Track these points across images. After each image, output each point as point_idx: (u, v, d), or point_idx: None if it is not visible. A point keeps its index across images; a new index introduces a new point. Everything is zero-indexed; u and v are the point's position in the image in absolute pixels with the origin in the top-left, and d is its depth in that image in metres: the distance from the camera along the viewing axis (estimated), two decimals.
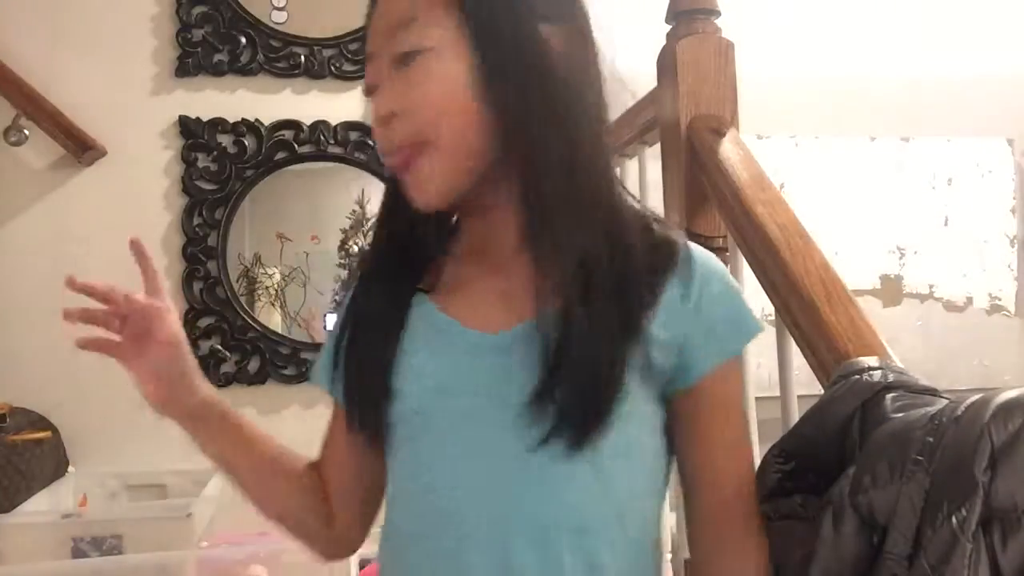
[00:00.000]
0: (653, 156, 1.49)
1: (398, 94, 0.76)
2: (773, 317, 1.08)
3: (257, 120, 2.50)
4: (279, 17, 2.53)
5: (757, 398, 1.18)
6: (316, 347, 2.47)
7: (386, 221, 0.87)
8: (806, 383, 1.00)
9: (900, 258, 3.03)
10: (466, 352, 0.78)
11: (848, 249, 2.96)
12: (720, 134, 1.24)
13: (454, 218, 0.87)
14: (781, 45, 2.97)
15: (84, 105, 2.38)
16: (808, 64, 2.99)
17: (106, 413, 2.36)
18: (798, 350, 1.00)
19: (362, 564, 2.04)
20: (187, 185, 2.46)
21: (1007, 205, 3.08)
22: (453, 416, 0.77)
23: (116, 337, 0.90)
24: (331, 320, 2.57)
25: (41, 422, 2.20)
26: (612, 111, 0.82)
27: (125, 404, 2.37)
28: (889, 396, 0.72)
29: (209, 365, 2.43)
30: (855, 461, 0.70)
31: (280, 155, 2.51)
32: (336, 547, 0.94)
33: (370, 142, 2.53)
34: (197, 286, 2.44)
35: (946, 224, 3.06)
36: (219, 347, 2.44)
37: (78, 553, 1.85)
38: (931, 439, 0.63)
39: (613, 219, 0.77)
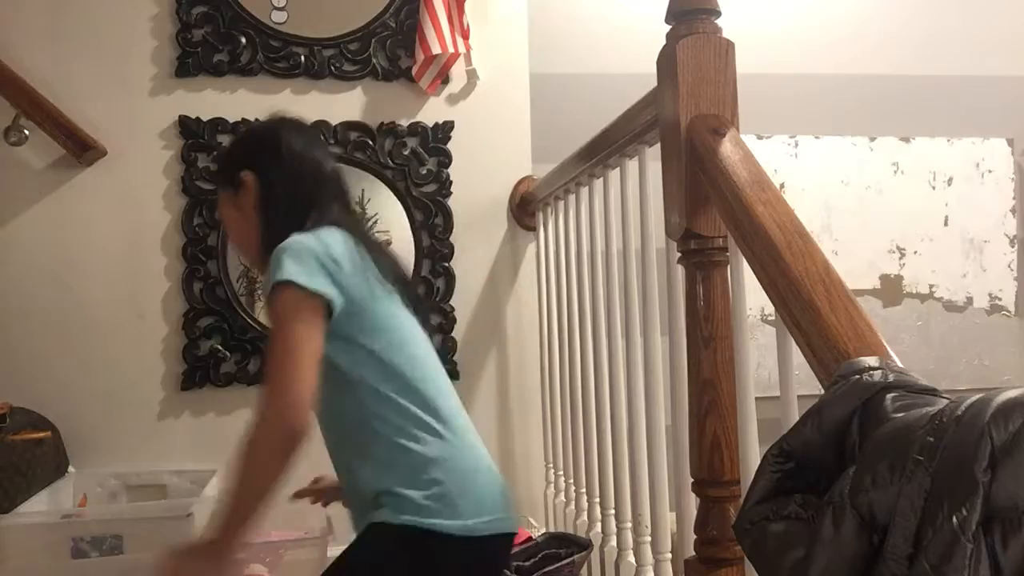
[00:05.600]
0: (653, 156, 1.49)
1: None
2: (773, 317, 1.08)
3: (257, 120, 2.50)
4: (279, 17, 2.53)
5: (757, 398, 1.18)
6: None
7: None
8: (806, 383, 1.00)
9: (900, 258, 3.03)
10: None
11: (848, 249, 2.96)
12: (720, 134, 1.24)
13: None
14: (781, 45, 2.97)
15: (84, 105, 2.39)
16: (808, 64, 3.00)
17: (106, 413, 2.37)
18: (798, 350, 1.00)
19: None
20: (187, 185, 2.46)
21: (1007, 205, 3.08)
22: None
23: None
24: None
25: (41, 422, 2.20)
26: None
27: (125, 404, 2.39)
28: (889, 396, 0.72)
29: (209, 365, 2.43)
30: (855, 461, 0.70)
31: None
32: None
33: (370, 142, 2.53)
34: (197, 286, 2.45)
35: (946, 224, 3.06)
36: (219, 347, 2.44)
37: (78, 553, 1.85)
38: (931, 439, 0.63)
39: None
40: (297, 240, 1.29)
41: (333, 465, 1.39)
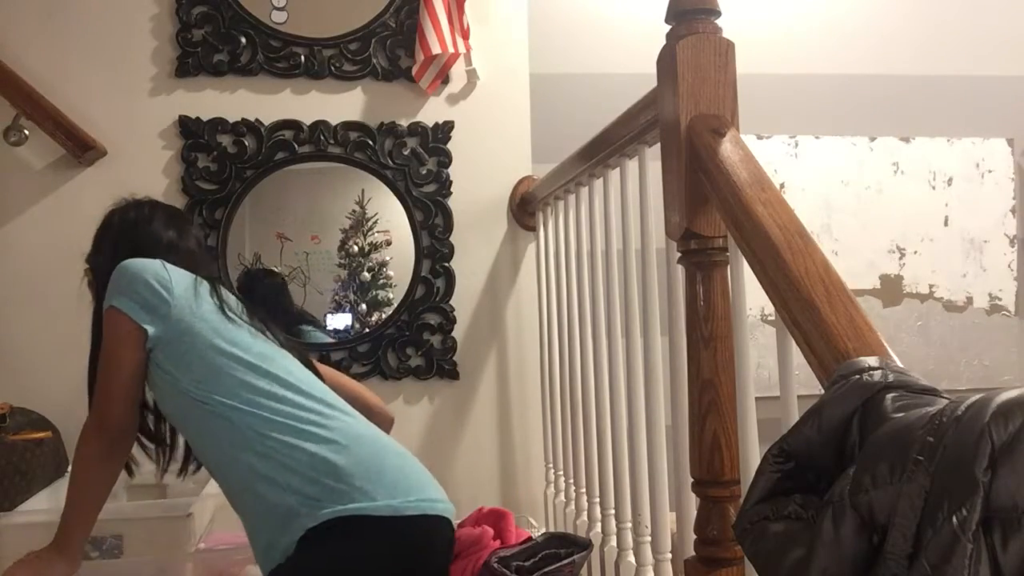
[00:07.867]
0: (653, 156, 1.49)
1: None
2: (773, 317, 1.08)
3: (257, 120, 2.50)
4: (279, 17, 2.53)
5: (757, 398, 1.18)
6: (314, 347, 2.47)
7: None
8: (806, 383, 1.00)
9: (900, 258, 3.03)
10: None
11: (848, 249, 2.96)
12: (720, 134, 1.24)
13: None
14: (781, 45, 2.98)
15: (84, 105, 2.39)
16: (808, 64, 3.00)
17: None
18: (798, 350, 1.00)
19: None
20: (187, 185, 2.46)
21: (1007, 205, 3.08)
22: None
23: None
24: (331, 319, 2.57)
25: (41, 422, 2.19)
26: None
27: None
28: (889, 396, 0.72)
29: None
30: (855, 461, 0.70)
31: (280, 155, 2.51)
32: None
33: (370, 142, 2.53)
34: None
35: (946, 224, 3.06)
36: None
37: None
38: (931, 439, 0.63)
39: None
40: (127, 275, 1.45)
41: (243, 522, 1.39)
